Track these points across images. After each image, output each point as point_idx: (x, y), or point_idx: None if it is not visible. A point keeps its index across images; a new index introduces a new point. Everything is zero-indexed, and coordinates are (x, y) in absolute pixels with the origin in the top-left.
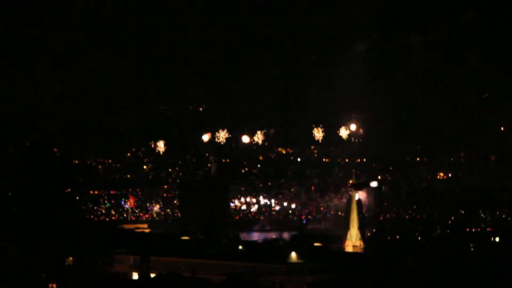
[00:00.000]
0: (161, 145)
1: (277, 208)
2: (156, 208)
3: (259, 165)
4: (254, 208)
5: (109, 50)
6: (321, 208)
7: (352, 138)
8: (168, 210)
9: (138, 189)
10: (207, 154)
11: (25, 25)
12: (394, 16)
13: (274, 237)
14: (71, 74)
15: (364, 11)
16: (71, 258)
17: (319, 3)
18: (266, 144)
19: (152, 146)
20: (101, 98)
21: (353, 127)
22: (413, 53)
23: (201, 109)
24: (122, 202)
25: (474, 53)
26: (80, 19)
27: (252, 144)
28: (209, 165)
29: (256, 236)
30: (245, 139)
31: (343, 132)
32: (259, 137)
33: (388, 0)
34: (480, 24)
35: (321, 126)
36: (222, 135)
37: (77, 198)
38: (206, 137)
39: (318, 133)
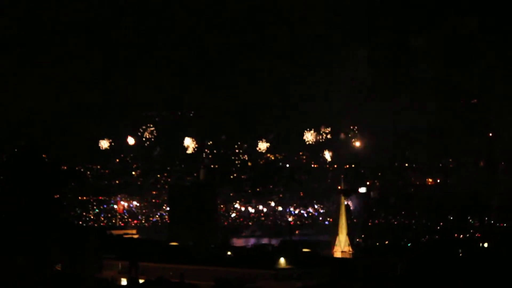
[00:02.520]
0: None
1: (266, 213)
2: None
3: (248, 171)
4: (243, 214)
5: (100, 55)
6: (310, 214)
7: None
8: (157, 216)
9: (126, 195)
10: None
11: (17, 30)
12: (391, 19)
13: (263, 242)
14: (60, 80)
15: (363, 14)
16: (60, 264)
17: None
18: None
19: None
20: (90, 104)
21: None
22: (407, 58)
23: (191, 114)
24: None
25: (464, 59)
26: (72, 23)
27: (242, 149)
28: (198, 170)
29: (245, 241)
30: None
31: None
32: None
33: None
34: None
35: (312, 130)
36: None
37: (66, 204)
38: (191, 143)
39: (310, 136)
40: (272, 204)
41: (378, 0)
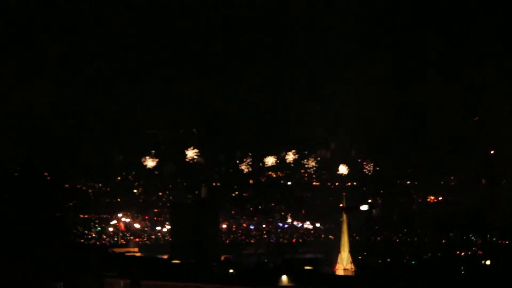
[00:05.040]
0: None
1: (268, 231)
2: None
3: (249, 189)
4: (244, 232)
5: (100, 69)
6: (312, 232)
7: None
8: (159, 234)
9: (129, 213)
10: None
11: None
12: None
13: (265, 260)
14: (61, 95)
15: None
16: (62, 282)
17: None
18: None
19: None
20: (91, 121)
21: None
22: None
23: (194, 130)
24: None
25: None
26: (73, 37)
27: (243, 167)
28: (200, 188)
29: (246, 259)
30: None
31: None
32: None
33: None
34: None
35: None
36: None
37: (67, 222)
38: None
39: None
40: (274, 221)
41: (387, 13)
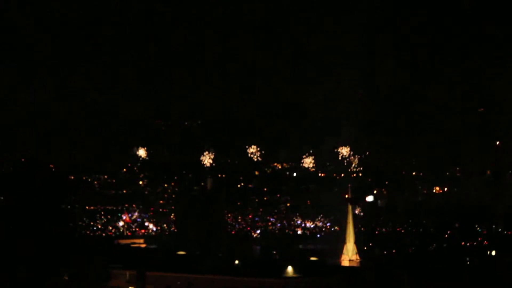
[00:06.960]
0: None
1: (273, 222)
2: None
3: (255, 180)
4: (250, 223)
5: (104, 62)
6: (317, 223)
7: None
8: (165, 225)
9: (134, 205)
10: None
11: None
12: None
13: (270, 251)
14: (66, 88)
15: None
16: (67, 274)
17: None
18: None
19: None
20: (96, 113)
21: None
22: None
23: (199, 121)
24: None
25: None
26: (74, 35)
27: (248, 158)
28: (205, 179)
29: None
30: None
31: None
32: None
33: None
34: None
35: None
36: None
37: (73, 213)
38: (203, 153)
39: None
40: (279, 213)
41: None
